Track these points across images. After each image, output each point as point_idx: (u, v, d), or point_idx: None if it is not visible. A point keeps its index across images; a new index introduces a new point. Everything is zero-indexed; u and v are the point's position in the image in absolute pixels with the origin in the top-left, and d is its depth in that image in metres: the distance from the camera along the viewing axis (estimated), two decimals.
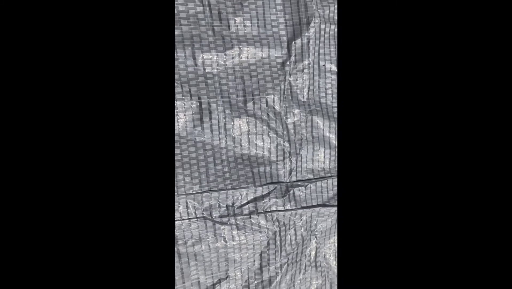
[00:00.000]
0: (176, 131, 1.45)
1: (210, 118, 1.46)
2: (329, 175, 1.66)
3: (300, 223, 1.71)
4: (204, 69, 1.44)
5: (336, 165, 1.72)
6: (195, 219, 1.45)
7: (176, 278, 1.37)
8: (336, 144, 1.69)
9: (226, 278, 1.49)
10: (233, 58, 1.48)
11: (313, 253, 1.82)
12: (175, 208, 1.41)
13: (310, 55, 1.65)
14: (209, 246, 1.49)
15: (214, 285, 1.47)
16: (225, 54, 1.47)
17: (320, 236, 1.80)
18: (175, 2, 1.46)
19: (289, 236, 1.67)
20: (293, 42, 1.56)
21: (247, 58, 1.50)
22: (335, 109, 1.72)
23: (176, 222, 1.41)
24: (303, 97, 1.63)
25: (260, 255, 1.66)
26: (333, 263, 1.87)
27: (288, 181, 1.58)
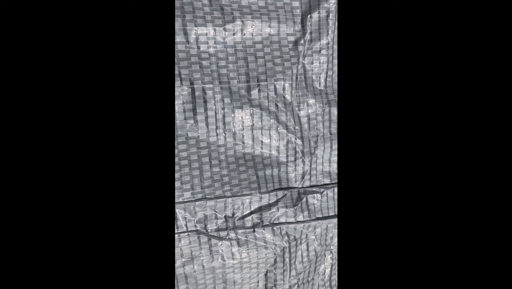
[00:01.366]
0: None
1: (206, 109, 1.28)
2: None
3: (314, 237, 1.49)
4: (198, 47, 1.25)
5: None
6: (186, 234, 1.29)
7: None
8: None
9: None
10: (234, 34, 1.28)
11: (327, 271, 1.57)
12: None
13: (329, 32, 1.38)
14: (203, 266, 1.33)
15: None
16: (224, 29, 1.27)
17: (337, 250, 1.55)
18: None
19: (300, 252, 1.47)
20: (309, 16, 1.36)
21: (252, 35, 1.30)
22: None
23: None
24: (319, 84, 1.43)
25: (265, 275, 1.46)
26: None
27: (300, 186, 1.43)
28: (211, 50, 1.27)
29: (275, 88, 1.35)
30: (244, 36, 1.30)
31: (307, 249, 1.48)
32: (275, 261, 1.42)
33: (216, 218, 1.32)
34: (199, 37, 1.25)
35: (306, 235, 1.45)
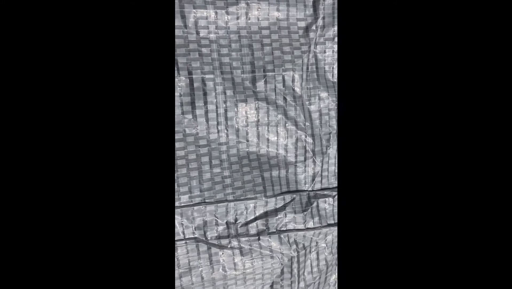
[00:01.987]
0: None
1: (205, 103, 1.17)
2: None
3: (325, 245, 1.39)
4: (197, 32, 1.14)
5: None
6: (184, 242, 1.20)
7: None
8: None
9: None
10: (238, 18, 1.18)
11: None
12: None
13: None
14: (203, 277, 1.24)
15: None
16: (227, 12, 1.16)
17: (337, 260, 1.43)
18: None
19: (309, 261, 1.38)
20: None
21: (258, 20, 1.20)
22: None
23: None
24: (332, 76, 1.32)
25: (271, 287, 1.36)
26: None
27: (310, 189, 1.34)
28: (212, 36, 1.16)
29: (284, 80, 1.24)
30: (249, 21, 1.19)
31: (317, 258, 1.39)
32: (282, 272, 1.34)
33: (217, 224, 1.22)
34: (198, 21, 1.14)
35: (316, 242, 1.37)
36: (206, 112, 1.17)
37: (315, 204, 1.31)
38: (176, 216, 1.17)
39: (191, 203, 1.18)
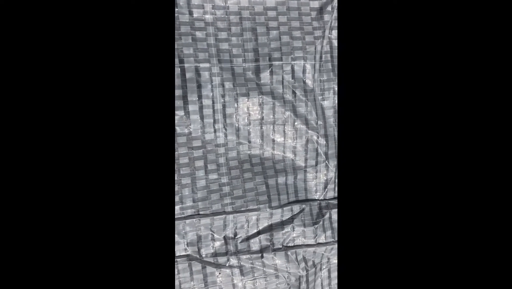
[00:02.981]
0: None
1: (200, 97, 1.08)
2: None
3: (337, 261, 1.32)
4: (190, 13, 1.06)
5: None
6: (174, 260, 1.13)
7: None
8: None
9: None
10: None
11: None
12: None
13: None
14: None
15: None
16: None
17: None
18: None
19: (319, 280, 1.31)
20: None
21: None
22: None
23: None
24: None
25: None
26: None
27: (322, 198, 1.26)
28: (208, 17, 1.06)
29: (293, 70, 1.17)
30: (252, 0, 1.09)
31: (329, 276, 1.32)
32: None
33: (213, 239, 1.16)
34: (192, 0, 1.04)
35: (328, 259, 1.29)
36: (201, 108, 1.08)
37: (327, 215, 1.22)
38: None
39: (183, 216, 1.09)
